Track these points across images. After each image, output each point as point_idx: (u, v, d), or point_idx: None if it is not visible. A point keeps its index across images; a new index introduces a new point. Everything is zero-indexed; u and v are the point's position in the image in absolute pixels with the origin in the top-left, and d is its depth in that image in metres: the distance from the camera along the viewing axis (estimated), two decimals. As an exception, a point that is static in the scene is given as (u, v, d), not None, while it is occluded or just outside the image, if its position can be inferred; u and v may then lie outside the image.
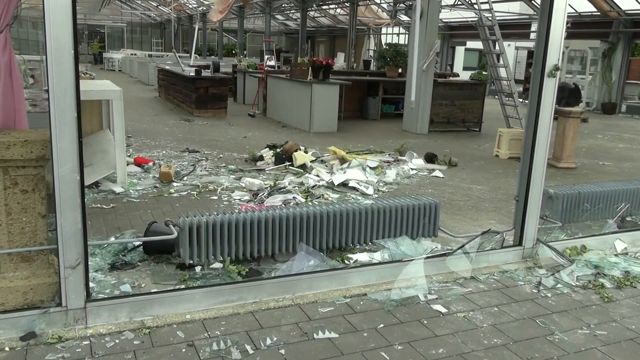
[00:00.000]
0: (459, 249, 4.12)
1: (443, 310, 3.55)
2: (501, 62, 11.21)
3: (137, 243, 4.08)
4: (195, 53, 21.63)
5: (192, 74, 12.58)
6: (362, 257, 4.11)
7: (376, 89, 13.32)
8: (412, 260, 3.96)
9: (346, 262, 4.04)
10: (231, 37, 36.92)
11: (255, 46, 38.20)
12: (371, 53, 29.68)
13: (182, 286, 3.55)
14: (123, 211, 5.16)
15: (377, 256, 4.11)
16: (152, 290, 3.43)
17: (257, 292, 3.53)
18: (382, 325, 3.31)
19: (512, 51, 26.22)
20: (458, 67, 30.99)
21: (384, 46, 27.46)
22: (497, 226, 5.17)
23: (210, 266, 3.81)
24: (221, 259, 3.78)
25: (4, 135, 3.05)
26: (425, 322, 3.39)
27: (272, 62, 15.39)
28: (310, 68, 10.94)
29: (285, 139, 9.85)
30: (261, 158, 7.53)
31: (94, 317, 3.13)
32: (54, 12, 2.76)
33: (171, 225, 3.64)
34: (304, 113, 11.02)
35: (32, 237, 3.18)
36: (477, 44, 30.07)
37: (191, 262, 3.69)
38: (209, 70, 13.71)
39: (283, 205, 5.11)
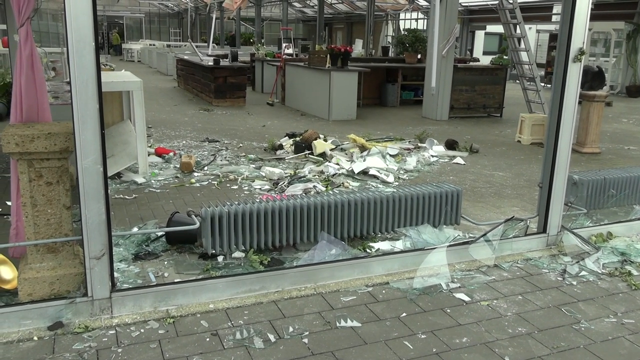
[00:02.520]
0: (482, 236, 4.08)
1: (466, 298, 3.53)
2: (522, 45, 11.01)
3: (160, 233, 4.12)
4: (212, 42, 21.66)
5: (211, 63, 12.60)
6: (383, 245, 4.09)
7: (395, 75, 13.21)
8: (435, 248, 3.93)
9: (368, 250, 4.02)
10: (248, 26, 36.87)
11: (272, 34, 38.11)
12: (389, 39, 29.44)
13: (205, 276, 3.57)
14: (145, 201, 5.20)
15: (399, 245, 4.09)
16: (176, 280, 3.46)
17: (279, 282, 3.54)
18: (404, 314, 3.30)
19: (533, 34, 25.74)
20: (478, 51, 30.57)
21: (402, 32, 27.20)
22: (521, 213, 5.11)
23: (232, 256, 3.83)
24: (243, 248, 3.79)
25: (27, 128, 3.09)
26: (448, 310, 3.37)
27: (290, 50, 15.33)
28: (328, 55, 10.88)
29: (305, 127, 9.84)
30: (281, 147, 7.53)
31: (119, 307, 3.17)
32: (75, 5, 2.77)
33: (193, 216, 3.66)
34: (323, 101, 10.98)
35: (57, 228, 3.22)
36: (498, 28, 29.64)
37: (213, 252, 3.71)
38: (227, 60, 13.72)
39: (304, 194, 5.10)
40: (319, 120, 10.75)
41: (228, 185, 5.84)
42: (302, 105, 12.01)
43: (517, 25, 11.06)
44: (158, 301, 3.26)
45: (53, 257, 3.25)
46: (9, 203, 5.02)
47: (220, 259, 3.81)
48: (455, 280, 3.77)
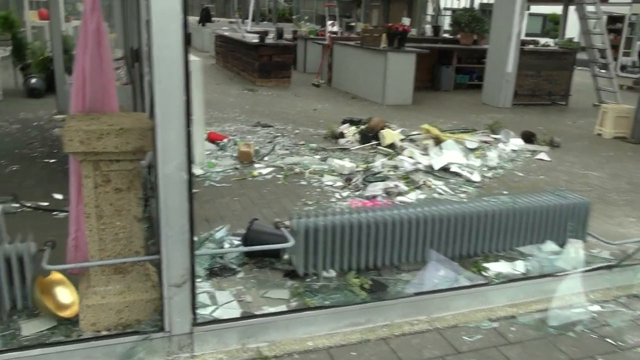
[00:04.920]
0: (625, 259, 3.38)
1: (618, 342, 2.85)
2: (597, 28, 10.10)
3: (236, 241, 3.51)
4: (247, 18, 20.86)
5: (256, 40, 11.91)
6: (500, 267, 3.41)
7: (449, 57, 12.34)
8: (567, 274, 3.25)
9: (483, 273, 3.36)
10: (281, 2, 35.91)
11: (305, 11, 37.11)
12: (428, 18, 28.30)
13: (300, 305, 2.95)
14: (207, 198, 4.59)
15: (519, 266, 3.41)
16: (267, 312, 2.84)
17: (387, 313, 2.91)
18: (550, 364, 2.65)
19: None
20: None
21: (442, 11, 26.01)
22: (639, 225, 4.38)
23: (324, 275, 3.20)
24: (340, 269, 3.15)
25: (93, 122, 2.47)
26: (601, 360, 2.71)
27: (335, 28, 14.54)
28: (384, 35, 10.10)
29: (358, 111, 9.16)
30: (342, 135, 6.85)
31: (201, 344, 2.58)
32: (164, -36, 2.13)
33: (283, 229, 3.03)
34: (376, 84, 10.23)
35: (126, 244, 2.62)
36: (541, 9, 28.23)
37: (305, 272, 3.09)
38: (271, 37, 12.99)
39: (384, 195, 4.46)
40: (372, 105, 10.02)
41: (295, 180, 5.20)
42: (351, 88, 11.27)
43: (591, 5, 10.14)
44: (246, 337, 2.66)
45: (120, 279, 2.66)
46: (56, 196, 4.48)
47: (309, 278, 3.18)
48: (595, 315, 3.10)
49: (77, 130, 2.37)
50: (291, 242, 2.86)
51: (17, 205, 4.29)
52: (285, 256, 3.33)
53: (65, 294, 2.72)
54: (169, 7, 2.20)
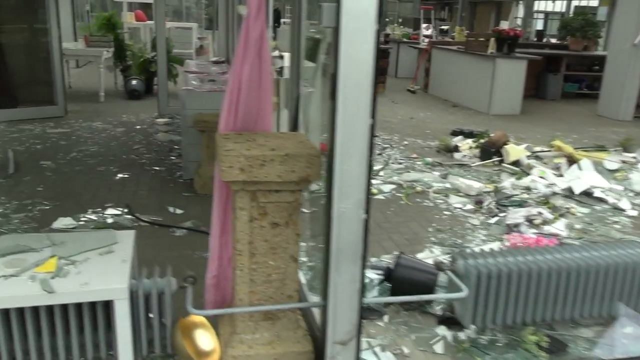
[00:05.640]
0: None
1: None
2: None
3: (375, 275, 3.10)
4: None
5: (351, 44, 11.52)
6: (702, 327, 2.82)
7: (557, 64, 11.47)
8: None
9: (683, 334, 2.77)
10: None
11: (390, 13, 36.51)
12: (519, 22, 27.03)
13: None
14: (328, 219, 4.21)
15: None
16: (439, 376, 2.41)
17: (577, 383, 2.40)
18: None
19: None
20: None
21: (534, 14, 24.69)
22: None
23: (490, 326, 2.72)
24: (510, 321, 2.67)
25: (252, 146, 2.11)
26: None
27: (429, 32, 13.94)
28: (492, 40, 9.44)
29: (462, 120, 8.62)
30: (456, 149, 6.32)
31: (363, 412, 2.17)
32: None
33: (450, 272, 2.57)
34: (482, 92, 9.59)
35: (279, 287, 2.25)
36: None
37: (473, 326, 2.62)
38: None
39: (556, 238, 3.91)
40: (476, 114, 9.39)
41: (418, 200, 4.74)
42: (451, 95, 10.66)
43: None
44: (414, 405, 2.23)
45: (270, 326, 2.29)
46: (171, 209, 4.24)
47: (471, 328, 2.72)
48: None
49: (238, 155, 2.02)
50: (465, 292, 2.40)
51: (132, 217, 4.08)
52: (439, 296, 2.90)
53: (206, 339, 2.39)
54: (363, 14, 1.80)
